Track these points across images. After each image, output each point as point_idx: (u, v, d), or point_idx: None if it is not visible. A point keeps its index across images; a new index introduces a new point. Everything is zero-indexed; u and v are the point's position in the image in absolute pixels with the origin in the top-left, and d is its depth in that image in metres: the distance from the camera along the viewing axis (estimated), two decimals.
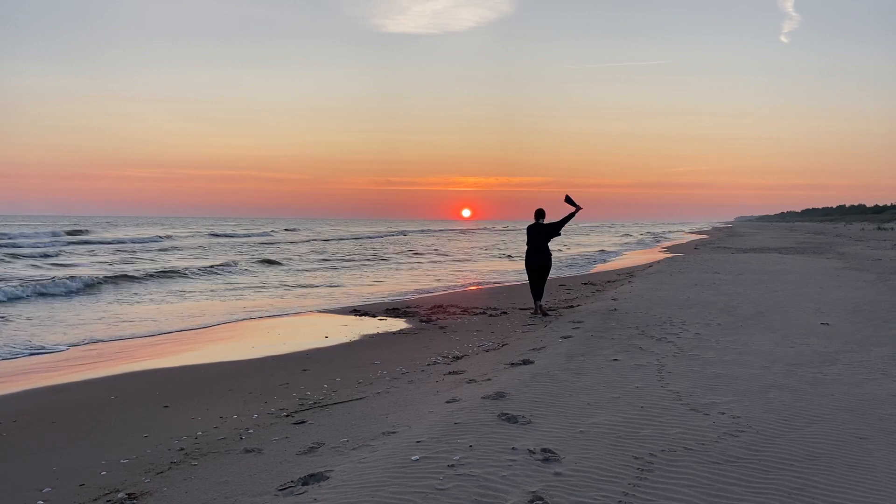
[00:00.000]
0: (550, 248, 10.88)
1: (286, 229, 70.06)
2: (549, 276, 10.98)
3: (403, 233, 70.67)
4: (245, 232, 59.10)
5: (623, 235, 61.39)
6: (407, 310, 11.47)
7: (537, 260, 10.69)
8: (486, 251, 34.99)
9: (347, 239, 51.29)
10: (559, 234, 10.91)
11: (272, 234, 58.86)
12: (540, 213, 10.85)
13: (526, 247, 10.91)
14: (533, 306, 10.76)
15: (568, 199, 10.78)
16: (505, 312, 10.88)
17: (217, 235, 50.85)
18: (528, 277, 10.86)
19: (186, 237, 47.12)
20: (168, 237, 46.53)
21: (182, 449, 4.56)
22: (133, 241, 40.04)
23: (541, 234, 10.72)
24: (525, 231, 11.01)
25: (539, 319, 9.88)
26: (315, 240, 49.16)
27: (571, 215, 10.68)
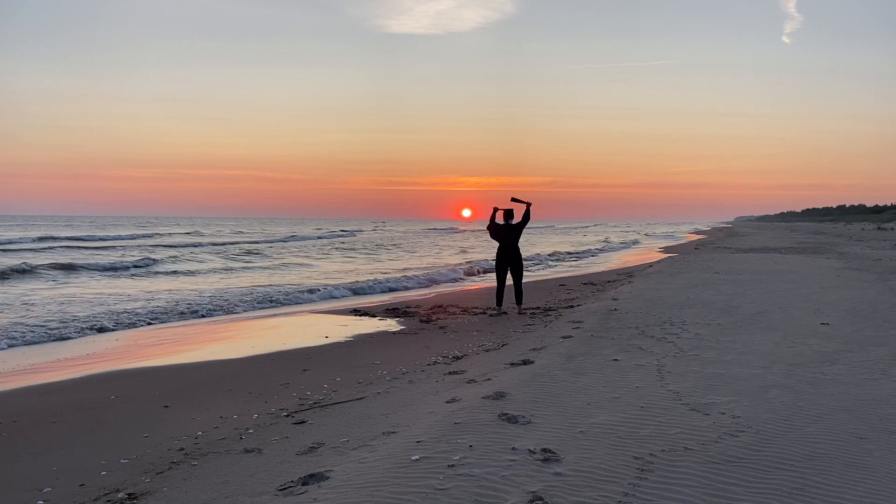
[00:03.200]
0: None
1: (343, 230, 71.05)
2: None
3: (454, 229, 75.47)
4: (328, 233, 60.52)
5: (643, 235, 63.72)
6: (407, 310, 11.47)
7: (511, 257, 11.18)
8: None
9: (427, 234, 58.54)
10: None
11: (354, 233, 61.55)
12: (509, 214, 11.22)
13: (498, 247, 11.37)
14: (495, 308, 11.09)
15: (514, 199, 11.35)
16: (505, 312, 10.88)
17: (297, 238, 50.45)
18: (498, 278, 11.26)
19: (268, 241, 46.31)
20: (295, 235, 51.93)
21: (182, 449, 4.56)
22: (267, 241, 44.18)
23: (513, 234, 11.22)
24: (487, 230, 11.58)
25: (539, 319, 9.89)
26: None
27: (528, 211, 11.26)
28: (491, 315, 10.72)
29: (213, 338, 9.31)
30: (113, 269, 21.07)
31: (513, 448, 3.68)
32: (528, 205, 11.21)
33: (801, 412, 4.44)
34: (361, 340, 8.76)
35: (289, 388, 6.20)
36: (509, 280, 11.28)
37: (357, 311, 11.47)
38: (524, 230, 11.30)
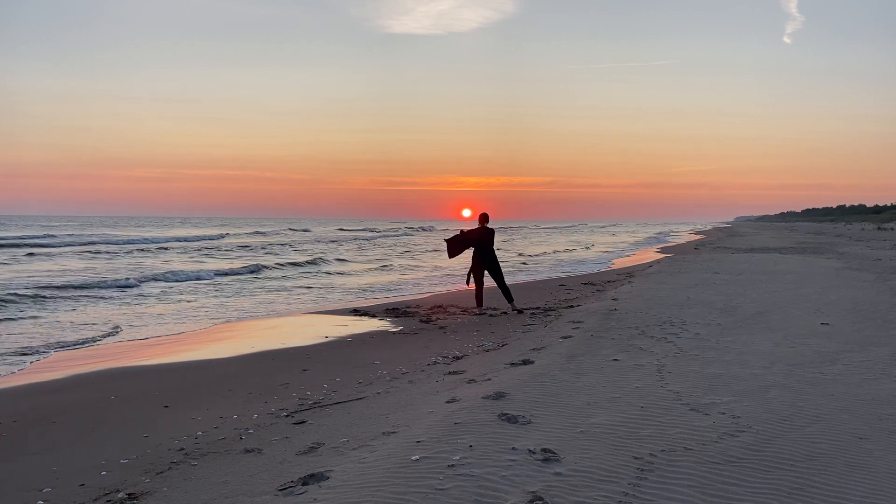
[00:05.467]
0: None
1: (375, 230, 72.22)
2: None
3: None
4: (383, 234, 61.59)
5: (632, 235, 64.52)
6: (407, 310, 11.48)
7: (488, 260, 11.21)
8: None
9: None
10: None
11: (408, 234, 62.88)
12: (485, 218, 11.32)
13: (474, 251, 11.33)
14: (477, 309, 11.11)
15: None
16: (505, 312, 10.89)
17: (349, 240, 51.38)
18: (476, 280, 11.28)
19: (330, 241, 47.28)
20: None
21: (182, 449, 4.56)
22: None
23: (490, 238, 11.25)
24: (457, 231, 11.63)
25: (539, 319, 9.89)
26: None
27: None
28: (478, 315, 10.79)
29: (213, 338, 9.31)
30: (309, 265, 24.26)
31: (513, 448, 3.68)
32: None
33: (801, 412, 4.44)
34: (361, 340, 8.76)
35: (289, 388, 6.20)
36: (489, 282, 11.33)
37: (357, 311, 11.48)
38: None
